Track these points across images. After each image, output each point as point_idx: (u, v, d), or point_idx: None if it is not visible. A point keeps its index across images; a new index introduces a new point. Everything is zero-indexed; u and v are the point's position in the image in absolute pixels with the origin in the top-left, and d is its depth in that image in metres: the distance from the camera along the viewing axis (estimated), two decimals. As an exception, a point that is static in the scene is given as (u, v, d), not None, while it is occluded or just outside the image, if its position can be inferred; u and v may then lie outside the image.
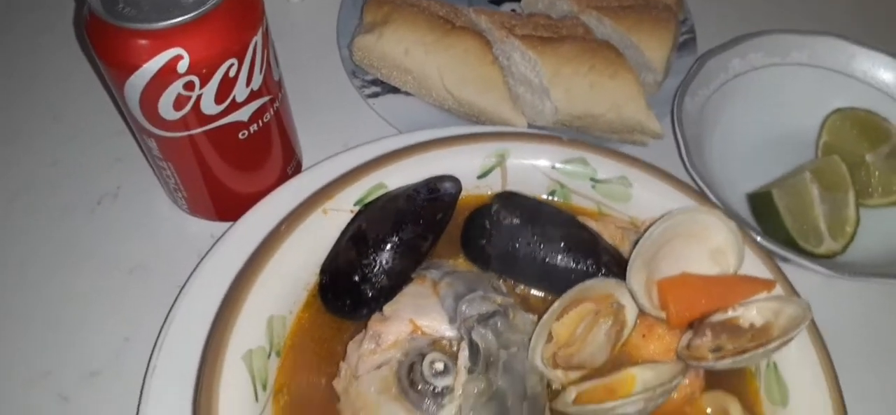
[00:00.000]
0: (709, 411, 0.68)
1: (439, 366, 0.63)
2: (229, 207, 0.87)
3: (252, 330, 0.69)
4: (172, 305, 0.78)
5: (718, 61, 0.94)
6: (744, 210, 0.88)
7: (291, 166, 0.92)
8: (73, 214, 0.93)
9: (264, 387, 0.68)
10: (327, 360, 0.70)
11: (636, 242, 0.70)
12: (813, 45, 0.97)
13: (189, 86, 0.72)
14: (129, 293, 0.86)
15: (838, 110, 0.94)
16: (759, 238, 0.77)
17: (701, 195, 0.79)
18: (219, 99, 0.75)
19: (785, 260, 0.81)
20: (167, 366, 0.73)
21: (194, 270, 0.80)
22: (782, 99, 0.96)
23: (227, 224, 0.82)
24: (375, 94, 1.00)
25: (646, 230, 0.70)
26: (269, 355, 0.69)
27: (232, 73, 0.74)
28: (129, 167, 0.96)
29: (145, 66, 0.70)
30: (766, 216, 0.85)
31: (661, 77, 0.97)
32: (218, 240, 0.82)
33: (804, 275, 0.81)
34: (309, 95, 1.01)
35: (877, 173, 0.88)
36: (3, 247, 0.89)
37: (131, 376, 0.78)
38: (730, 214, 0.72)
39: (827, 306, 0.82)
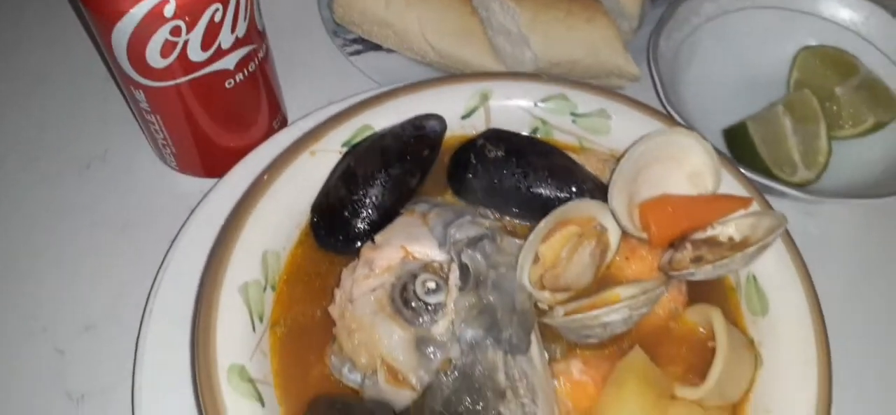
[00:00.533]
0: (693, 322, 0.70)
1: (431, 285, 0.65)
2: (217, 162, 0.88)
3: (247, 264, 0.70)
4: (165, 255, 0.80)
5: (691, 5, 0.97)
6: (721, 146, 0.91)
7: (277, 121, 0.93)
8: (63, 177, 0.94)
9: (261, 319, 0.69)
10: (322, 293, 0.71)
11: (616, 165, 0.72)
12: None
13: (176, 31, 0.74)
14: (121, 251, 0.87)
15: (807, 47, 0.97)
16: (747, 174, 0.79)
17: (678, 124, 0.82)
18: (205, 45, 0.76)
19: (762, 189, 0.84)
20: (163, 309, 0.75)
21: (186, 220, 0.82)
22: (754, 40, 1.00)
23: (216, 180, 0.83)
24: (357, 52, 1.02)
25: (625, 152, 0.72)
26: (265, 289, 0.71)
27: (217, 18, 0.76)
28: (116, 130, 0.97)
29: (132, 11, 0.71)
30: (741, 149, 0.88)
31: (635, 24, 1.00)
32: (208, 191, 0.83)
33: (780, 204, 0.84)
34: (292, 58, 1.02)
35: (846, 106, 0.91)
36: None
37: (125, 328, 0.80)
38: (704, 136, 0.74)
39: (803, 232, 0.86)
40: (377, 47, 1.02)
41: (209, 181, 0.88)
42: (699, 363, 0.67)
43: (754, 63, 0.99)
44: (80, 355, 0.80)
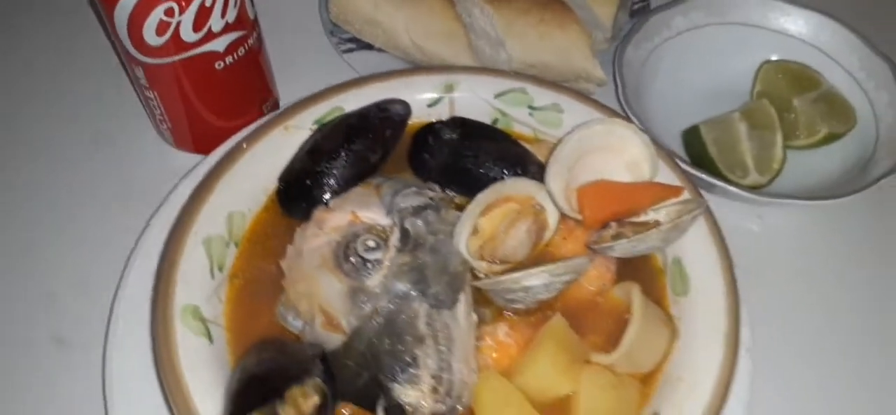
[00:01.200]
0: (618, 298, 0.74)
1: (371, 243, 0.71)
2: (208, 140, 0.95)
3: (213, 220, 0.77)
4: (148, 220, 0.87)
5: (662, 18, 1.03)
6: (679, 149, 0.96)
7: (268, 105, 1.01)
8: (72, 150, 1.03)
9: (221, 269, 0.76)
10: (280, 253, 0.77)
11: (554, 149, 0.77)
12: (750, 5, 1.04)
13: (169, 12, 0.82)
14: (116, 216, 0.95)
15: (770, 61, 1.01)
16: (684, 165, 0.84)
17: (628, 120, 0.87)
18: (196, 27, 0.84)
19: (711, 188, 0.88)
20: (140, 268, 0.82)
21: (169, 191, 0.89)
22: (722, 54, 1.04)
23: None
24: (351, 50, 1.10)
25: (563, 137, 0.78)
26: (228, 244, 0.78)
27: (208, 3, 0.84)
28: (123, 108, 1.06)
29: (130, -10, 0.80)
30: (694, 150, 0.93)
31: (610, 34, 1.05)
32: (192, 168, 0.91)
33: (732, 205, 0.89)
34: (291, 53, 1.10)
35: (802, 117, 0.95)
36: (9, 177, 1.01)
37: (112, 284, 0.86)
38: (644, 129, 0.79)
39: (750, 231, 0.91)
40: (369, 46, 1.10)
41: (201, 158, 0.96)
42: (619, 335, 0.71)
43: (721, 75, 1.03)
44: (68, 306, 0.88)
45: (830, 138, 0.95)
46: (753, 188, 0.90)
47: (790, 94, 0.97)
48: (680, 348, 0.71)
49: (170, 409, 0.66)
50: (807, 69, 1.00)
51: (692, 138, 0.93)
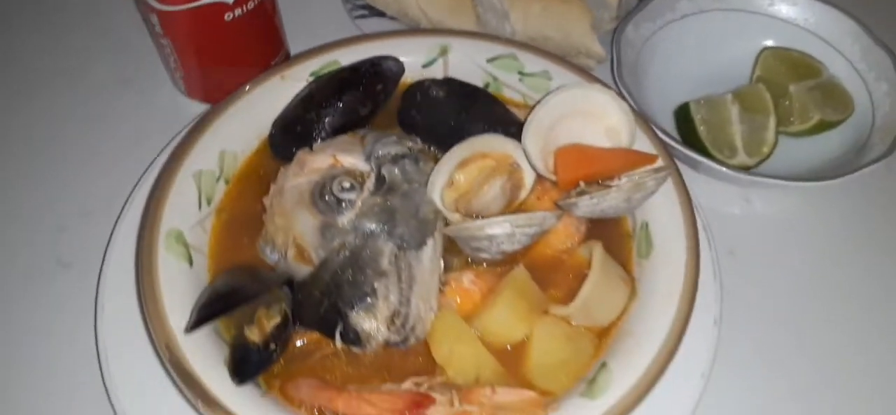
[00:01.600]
0: (583, 257, 0.76)
1: (346, 184, 0.74)
2: (217, 90, 0.99)
3: (205, 156, 0.81)
4: (153, 160, 0.92)
5: (666, 0, 1.03)
6: (671, 127, 0.97)
7: (277, 61, 1.05)
8: (93, 93, 1.09)
9: (209, 202, 0.80)
10: (266, 193, 0.82)
11: (532, 110, 0.80)
12: (756, -8, 1.05)
13: (179, -42, 0.87)
14: (128, 157, 1.00)
15: (770, 48, 1.01)
16: (662, 135, 0.85)
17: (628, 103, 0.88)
18: (207, -23, 0.89)
19: (696, 165, 0.89)
20: (139, 203, 0.87)
21: (174, 136, 0.94)
22: (723, 40, 1.05)
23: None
24: (363, 16, 1.14)
25: (541, 99, 0.80)
26: (218, 180, 0.82)
27: (218, -46, 0.88)
28: (143, 61, 1.11)
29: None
30: (683, 127, 0.94)
31: (614, 14, 1.07)
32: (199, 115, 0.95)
33: (720, 185, 0.90)
34: (304, 16, 1.14)
35: (797, 103, 0.95)
36: (32, 112, 1.07)
37: (117, 213, 0.92)
38: (622, 96, 0.81)
39: (736, 212, 0.92)
40: (381, 14, 1.13)
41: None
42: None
43: (721, 60, 1.04)
44: (75, 231, 0.93)
45: (823, 126, 0.95)
46: (741, 169, 0.90)
47: (788, 80, 0.97)
48: (637, 307, 0.72)
49: (144, 318, 0.71)
50: (807, 58, 1.00)
51: (682, 116, 0.94)
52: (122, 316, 0.78)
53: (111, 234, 0.86)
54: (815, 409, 0.80)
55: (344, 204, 0.73)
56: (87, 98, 1.09)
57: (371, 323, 0.67)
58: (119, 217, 0.87)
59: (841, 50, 1.00)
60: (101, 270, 0.83)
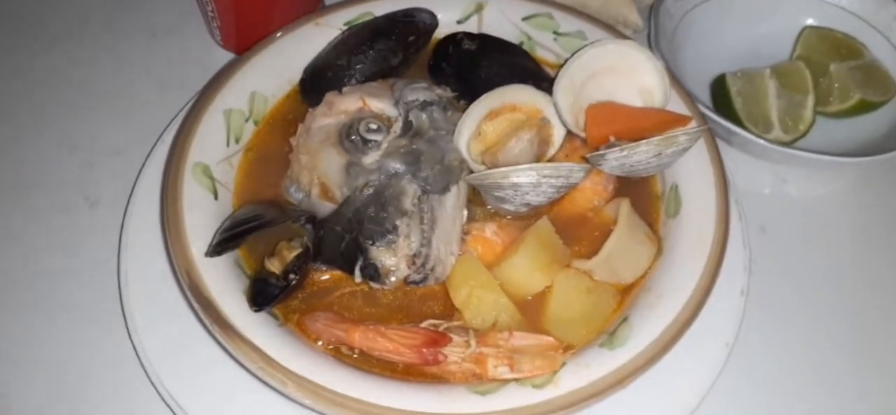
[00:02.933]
0: (609, 215, 0.75)
1: (373, 126, 0.74)
2: (252, 42, 1.00)
3: (236, 95, 0.82)
4: (184, 106, 0.93)
5: (709, -26, 1.02)
6: (706, 99, 0.95)
7: (313, 15, 1.05)
8: (131, 40, 1.10)
9: (237, 141, 0.80)
10: (294, 135, 0.82)
11: (564, 63, 0.79)
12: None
13: None
14: (161, 103, 1.01)
15: (812, 26, 0.99)
16: (703, 108, 0.84)
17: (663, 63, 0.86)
18: (248, -78, 0.89)
19: (730, 137, 0.88)
20: (171, 139, 0.87)
21: (208, 83, 0.94)
22: (765, 18, 1.03)
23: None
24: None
25: (574, 53, 0.79)
26: (247, 120, 0.82)
27: None
28: (182, 12, 1.12)
29: None
30: (719, 99, 0.92)
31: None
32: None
33: (750, 162, 0.89)
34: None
35: (837, 83, 0.93)
36: (72, 56, 1.08)
37: (146, 155, 0.92)
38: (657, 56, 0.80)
39: (769, 193, 0.90)
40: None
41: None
42: (604, 247, 0.72)
43: (761, 37, 1.02)
44: (104, 170, 0.94)
45: (863, 106, 0.92)
46: (775, 144, 0.88)
47: (829, 60, 0.95)
48: (662, 266, 0.71)
49: (166, 244, 0.71)
50: (850, 39, 0.98)
51: (718, 87, 0.92)
52: (145, 250, 0.78)
53: (139, 172, 0.87)
54: (840, 392, 0.78)
55: (370, 144, 0.73)
56: (123, 43, 1.10)
57: (391, 259, 0.67)
58: (148, 156, 0.88)
59: (885, 32, 0.97)
60: (127, 205, 0.83)
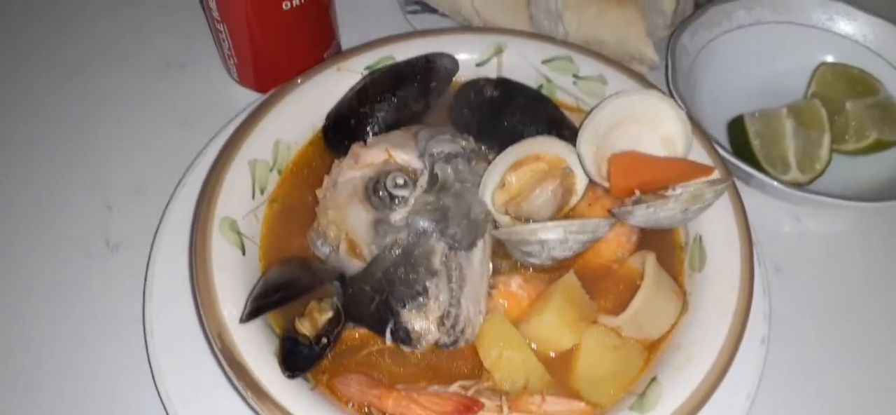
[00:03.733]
0: (634, 267, 0.76)
1: (400, 181, 0.75)
2: (269, 79, 1.01)
3: (260, 145, 0.82)
4: (205, 145, 0.93)
5: (724, 9, 1.02)
6: (723, 138, 0.96)
7: (329, 52, 1.05)
8: (146, 74, 1.11)
9: (262, 191, 0.81)
10: (319, 185, 0.82)
11: (589, 113, 0.79)
12: (814, 6, 1.03)
13: (242, -52, 0.87)
14: (178, 139, 1.01)
15: (827, 63, 1.00)
16: (722, 152, 0.84)
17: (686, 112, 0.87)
18: (268, -36, 0.89)
19: (748, 179, 0.88)
20: (194, 183, 0.88)
21: (227, 122, 0.94)
22: (780, 53, 1.03)
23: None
24: (415, 11, 1.14)
25: (599, 103, 0.79)
26: (271, 170, 0.83)
27: (282, -57, 0.88)
28: (197, 43, 1.12)
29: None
30: (737, 140, 0.93)
31: (669, 20, 1.06)
32: (252, 103, 0.96)
33: (768, 201, 0.89)
34: (357, 7, 1.15)
35: (853, 121, 0.94)
36: (86, 90, 1.08)
37: (166, 195, 0.92)
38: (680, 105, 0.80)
39: (786, 232, 0.90)
40: (433, 10, 1.13)
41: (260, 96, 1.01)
42: (630, 302, 0.72)
43: (776, 73, 1.03)
44: (124, 211, 0.95)
45: (880, 145, 0.93)
46: (793, 185, 0.89)
47: (844, 97, 0.96)
48: (689, 322, 0.71)
49: (196, 305, 0.72)
50: (866, 75, 0.98)
51: (736, 128, 0.93)
52: (171, 301, 0.79)
53: (161, 217, 0.87)
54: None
55: (397, 201, 0.74)
56: (138, 78, 1.10)
57: (422, 323, 0.68)
58: (170, 200, 0.88)
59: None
60: (150, 254, 0.84)
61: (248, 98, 1.03)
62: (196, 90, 1.08)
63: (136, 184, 0.97)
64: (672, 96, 0.92)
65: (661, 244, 0.78)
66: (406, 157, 0.79)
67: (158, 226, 0.86)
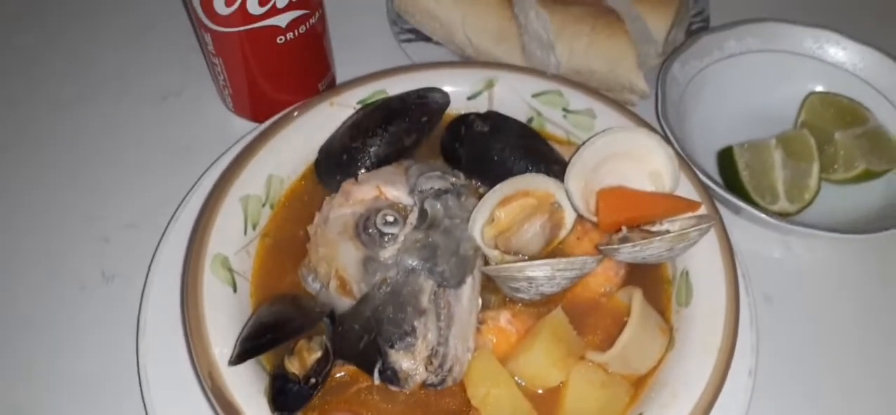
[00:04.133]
0: (621, 301, 0.77)
1: (390, 218, 0.76)
2: (265, 110, 1.02)
3: (253, 181, 0.83)
4: (199, 178, 0.94)
5: (714, 39, 1.03)
6: (713, 169, 0.96)
7: (324, 83, 1.07)
8: (143, 104, 1.12)
9: (254, 227, 0.82)
10: (311, 220, 0.83)
11: (577, 150, 0.80)
12: (805, 35, 1.04)
13: (238, -15, 0.88)
14: (174, 170, 1.02)
15: (817, 92, 1.01)
16: (711, 185, 0.85)
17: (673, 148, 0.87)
18: (262, 1, 0.90)
19: (737, 211, 0.89)
20: (186, 219, 0.88)
21: (223, 153, 0.95)
22: (770, 82, 1.04)
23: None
24: (409, 40, 1.15)
25: (587, 140, 0.80)
26: (264, 205, 0.84)
27: (275, -21, 0.89)
28: (193, 75, 1.14)
29: (203, -39, 0.87)
30: (726, 171, 0.94)
31: (660, 49, 1.07)
32: (247, 133, 0.97)
33: (758, 230, 0.90)
34: (353, 38, 1.16)
35: (842, 151, 0.94)
36: (83, 120, 1.10)
37: (161, 229, 0.93)
38: (668, 141, 0.81)
39: (774, 261, 0.91)
40: (427, 38, 1.14)
41: (256, 126, 1.02)
42: (617, 337, 0.73)
43: (767, 102, 1.03)
44: (120, 243, 0.96)
45: (868, 175, 0.94)
46: (781, 215, 0.90)
47: (833, 127, 0.96)
48: (675, 358, 0.72)
49: (188, 346, 0.72)
50: (855, 104, 0.99)
51: (725, 159, 0.94)
52: (164, 337, 0.79)
53: (155, 251, 0.88)
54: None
55: (387, 238, 0.75)
56: (134, 110, 1.11)
57: (410, 363, 0.69)
58: (163, 235, 0.89)
59: (890, 97, 0.99)
60: (144, 289, 0.84)
61: (245, 127, 1.04)
62: (191, 121, 1.10)
63: (132, 217, 0.98)
64: (661, 127, 0.92)
65: (649, 279, 0.79)
66: (396, 193, 0.80)
67: (151, 261, 0.87)
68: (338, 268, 0.74)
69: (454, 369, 0.69)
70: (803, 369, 0.86)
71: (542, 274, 0.72)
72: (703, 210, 0.79)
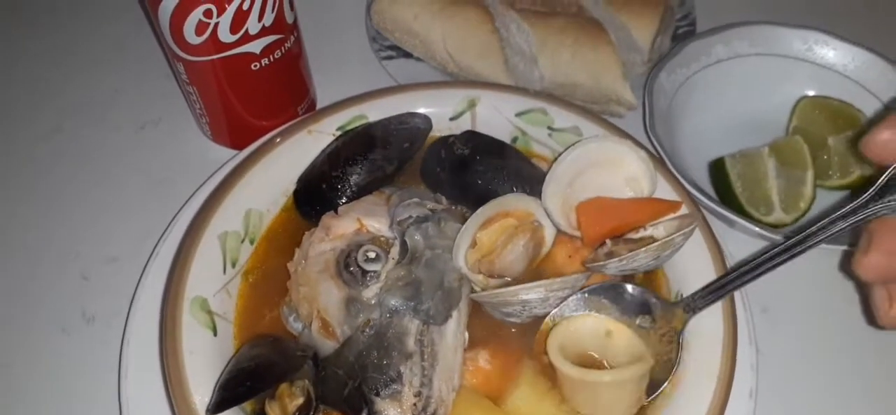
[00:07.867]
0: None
1: (371, 255, 0.73)
2: (244, 137, 0.99)
3: (230, 217, 0.81)
4: (178, 210, 0.91)
5: (701, 45, 1.01)
6: (705, 181, 0.94)
7: (303, 107, 1.04)
8: (121, 134, 1.09)
9: (234, 265, 0.79)
10: (292, 253, 0.80)
11: (550, 167, 0.78)
12: (795, 37, 1.01)
13: (208, 13, 0.86)
14: (153, 201, 1.00)
15: (808, 97, 0.98)
16: (703, 198, 0.83)
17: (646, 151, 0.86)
18: (233, 29, 0.88)
19: (731, 224, 0.87)
20: (167, 253, 0.86)
21: (202, 183, 0.93)
22: (760, 87, 1.01)
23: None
24: (390, 57, 1.12)
25: (559, 155, 0.79)
26: (243, 241, 0.81)
27: (245, 7, 0.87)
28: (171, 104, 1.11)
29: (172, -10, 0.84)
30: (719, 182, 0.91)
31: (646, 57, 1.04)
32: (226, 161, 0.94)
33: (750, 241, 0.88)
34: (333, 56, 1.14)
35: (836, 156, 0.92)
36: (60, 152, 1.07)
37: (142, 264, 0.91)
38: (640, 144, 0.80)
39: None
40: (408, 55, 1.12)
41: (235, 152, 1.00)
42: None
43: (757, 108, 1.01)
44: (100, 280, 0.93)
45: (864, 181, 0.91)
46: (776, 227, 0.88)
47: (826, 131, 0.94)
48: (668, 387, 0.70)
49: (167, 391, 0.70)
50: (847, 106, 0.97)
51: (717, 170, 0.91)
52: (146, 379, 0.76)
53: (135, 290, 0.85)
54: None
55: (369, 276, 0.72)
56: (112, 139, 1.08)
57: (396, 411, 0.66)
58: (143, 273, 0.86)
59: (881, 98, 0.96)
60: (124, 330, 0.82)
61: (225, 154, 1.01)
62: (170, 150, 1.07)
63: (112, 251, 0.96)
64: (650, 141, 0.90)
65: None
66: (378, 225, 0.77)
67: (132, 301, 0.84)
68: (319, 309, 0.72)
69: (439, 411, 0.67)
70: (802, 381, 0.83)
71: (535, 296, 0.70)
72: (684, 209, 0.77)
